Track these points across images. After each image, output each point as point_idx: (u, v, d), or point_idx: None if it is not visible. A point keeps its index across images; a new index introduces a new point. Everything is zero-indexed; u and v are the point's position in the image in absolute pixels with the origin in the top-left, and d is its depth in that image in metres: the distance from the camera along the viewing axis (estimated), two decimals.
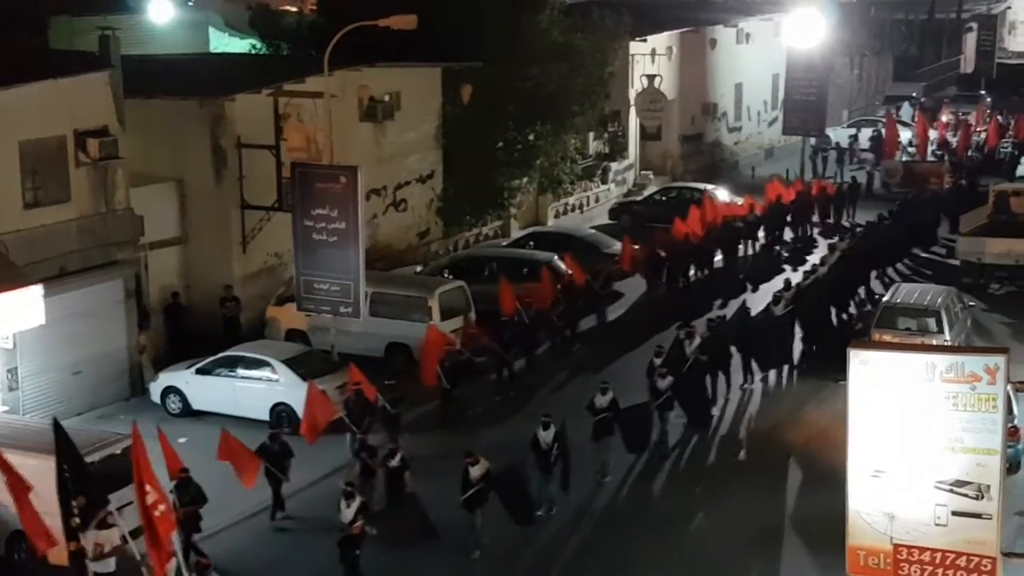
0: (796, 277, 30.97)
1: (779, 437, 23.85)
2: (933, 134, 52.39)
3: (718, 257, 35.47)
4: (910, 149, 49.87)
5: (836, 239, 35.28)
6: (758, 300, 29.76)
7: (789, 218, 38.97)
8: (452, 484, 18.94)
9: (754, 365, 26.05)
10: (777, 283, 30.44)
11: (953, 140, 52.10)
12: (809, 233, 39.54)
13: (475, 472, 18.57)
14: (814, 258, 34.91)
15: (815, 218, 40.14)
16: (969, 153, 49.76)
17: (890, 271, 34.29)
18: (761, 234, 37.79)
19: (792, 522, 20.12)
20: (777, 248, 38.00)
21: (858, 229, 36.87)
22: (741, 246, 36.58)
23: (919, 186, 43.42)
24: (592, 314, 30.41)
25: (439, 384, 24.31)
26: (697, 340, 24.64)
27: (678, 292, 33.22)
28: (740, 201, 39.90)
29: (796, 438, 23.69)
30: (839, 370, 24.79)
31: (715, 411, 24.58)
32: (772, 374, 26.46)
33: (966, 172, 46.11)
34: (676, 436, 23.27)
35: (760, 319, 26.80)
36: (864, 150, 51.44)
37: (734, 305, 29.37)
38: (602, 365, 27.26)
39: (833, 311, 28.87)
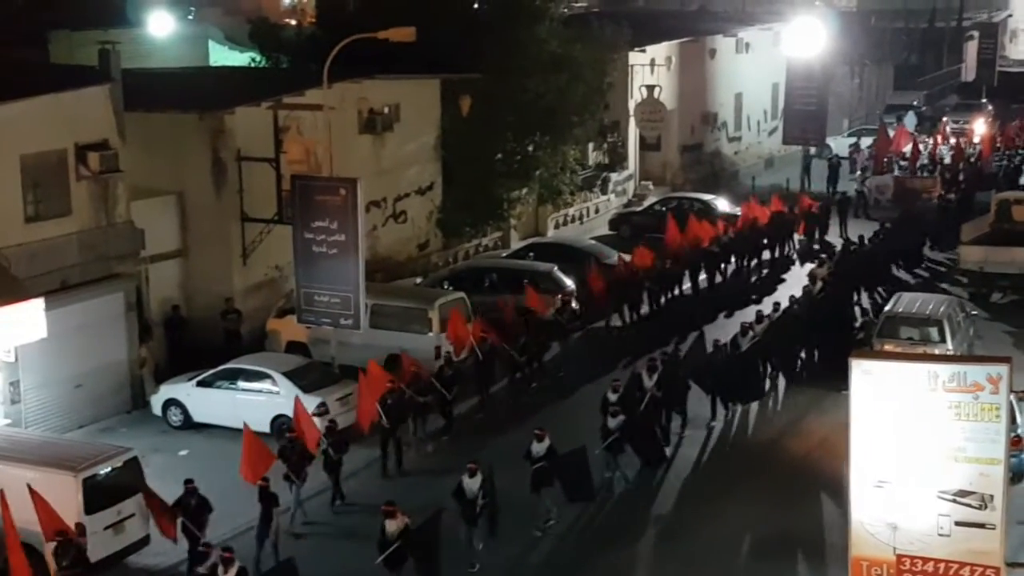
0: (767, 307, 28.85)
1: (781, 448, 23.81)
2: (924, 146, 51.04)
3: (701, 276, 34.12)
4: (902, 163, 48.41)
5: (816, 264, 33.40)
6: (724, 330, 28.12)
7: (765, 240, 37.05)
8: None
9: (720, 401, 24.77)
10: (745, 313, 29.48)
11: (948, 153, 50.68)
12: (787, 253, 37.74)
13: (391, 527, 17.24)
14: (788, 286, 33.22)
15: (798, 237, 38.38)
16: (961, 167, 48.40)
17: (872, 295, 32.11)
18: (735, 257, 35.72)
19: (795, 533, 20.05)
20: (750, 273, 36.09)
21: (839, 249, 34.90)
22: (715, 270, 34.70)
23: (911, 202, 42.39)
24: (557, 348, 28.43)
25: (379, 422, 22.46)
26: (657, 375, 23.30)
27: (644, 322, 31.28)
28: (737, 211, 39.86)
29: (798, 449, 23.65)
30: (799, 408, 25.39)
31: (667, 450, 23.16)
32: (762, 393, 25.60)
33: (956, 187, 44.65)
34: (633, 473, 22.11)
35: (722, 353, 25.01)
36: (867, 159, 50.76)
37: (700, 336, 26.81)
38: (559, 403, 25.83)
39: (804, 348, 27.30)
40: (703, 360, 24.82)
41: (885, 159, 47.80)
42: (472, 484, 18.60)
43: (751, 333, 25.82)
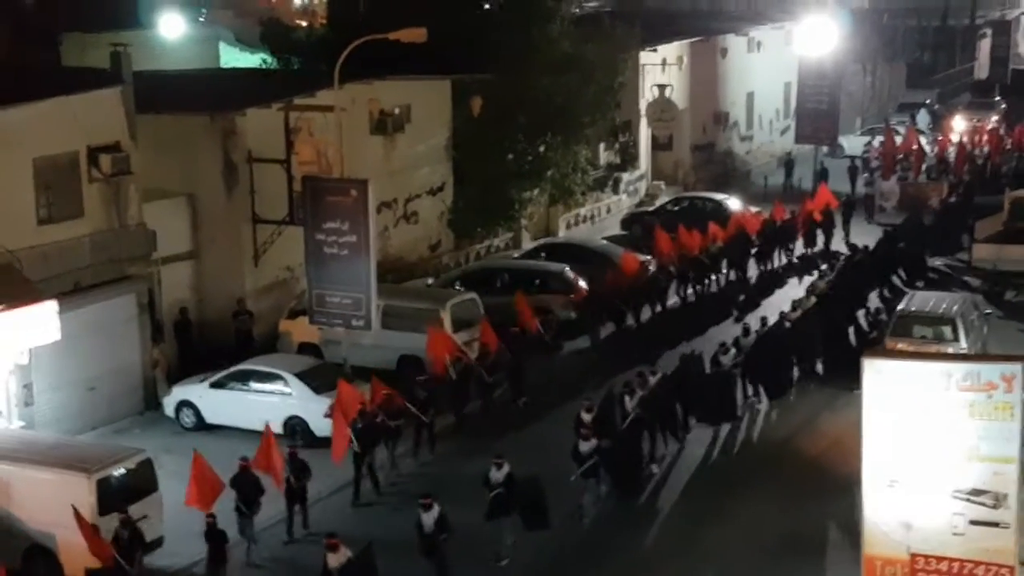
0: (754, 321, 27.88)
1: (793, 447, 23.75)
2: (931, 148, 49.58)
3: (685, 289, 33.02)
4: (906, 167, 46.99)
5: (816, 276, 31.99)
6: (706, 345, 27.10)
7: (754, 251, 35.68)
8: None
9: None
10: (729, 328, 28.85)
11: (953, 155, 48.99)
12: (787, 261, 36.47)
13: (333, 562, 16.77)
14: (777, 299, 32.26)
15: (797, 245, 37.08)
16: (966, 168, 47.26)
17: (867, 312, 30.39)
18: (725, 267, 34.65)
19: (807, 532, 20.01)
20: (742, 283, 34.82)
21: (840, 261, 33.23)
22: (706, 281, 33.74)
23: (919, 207, 40.66)
24: (539, 366, 26.97)
25: (350, 448, 21.49)
26: (639, 394, 22.20)
27: (628, 336, 30.07)
28: (755, 210, 39.72)
29: (811, 448, 23.59)
30: (811, 407, 25.17)
31: (654, 469, 22.36)
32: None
33: (960, 191, 42.91)
34: (595, 502, 21.07)
35: (704, 370, 24.29)
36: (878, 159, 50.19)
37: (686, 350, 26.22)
38: (536, 426, 24.63)
39: (795, 365, 26.30)
40: (681, 377, 23.75)
41: (896, 160, 46.85)
42: (428, 518, 18.00)
43: (731, 351, 24.86)
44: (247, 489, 19.47)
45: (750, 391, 25.44)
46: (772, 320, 27.08)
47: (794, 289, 33.26)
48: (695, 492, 22.01)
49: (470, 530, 18.75)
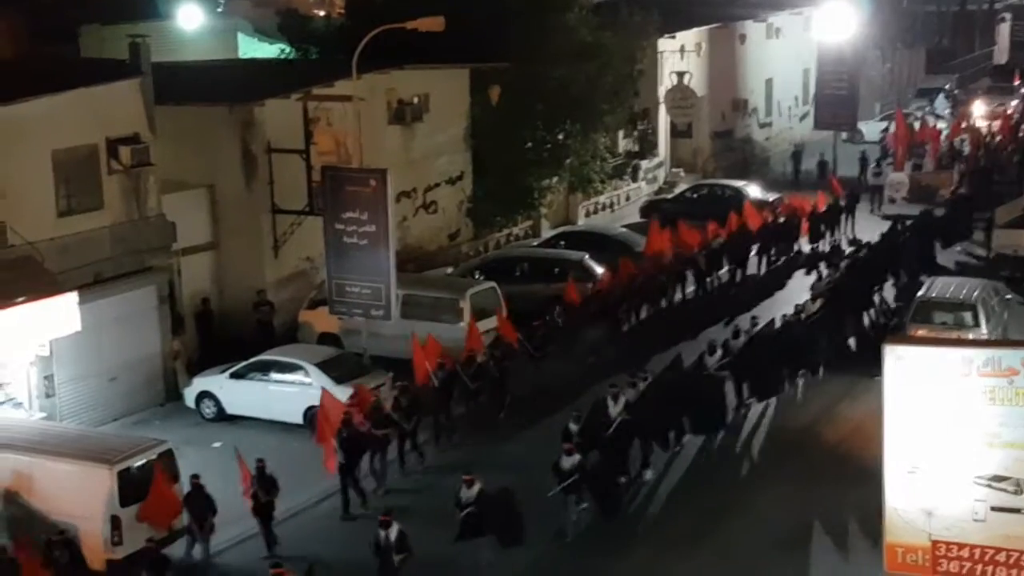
0: (746, 323, 26.51)
1: (814, 435, 23.69)
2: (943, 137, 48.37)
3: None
4: (920, 152, 46.10)
5: (816, 279, 30.44)
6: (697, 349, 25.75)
7: (755, 248, 34.56)
8: None
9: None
10: (722, 330, 27.68)
11: (966, 144, 47.89)
12: (788, 259, 35.14)
13: None
14: (776, 300, 31.20)
15: (802, 242, 35.89)
16: (980, 153, 46.42)
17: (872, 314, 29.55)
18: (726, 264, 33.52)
19: (828, 520, 19.95)
20: (744, 282, 33.62)
21: (842, 260, 31.66)
22: (707, 280, 32.67)
23: (928, 199, 39.82)
24: (525, 375, 25.82)
25: (336, 458, 20.61)
26: (623, 400, 21.26)
27: (621, 339, 28.78)
28: (771, 198, 39.53)
29: (832, 435, 23.53)
30: (832, 395, 24.87)
31: (648, 475, 21.47)
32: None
33: (970, 181, 41.61)
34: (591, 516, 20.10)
35: (691, 374, 23.55)
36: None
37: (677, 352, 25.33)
38: (523, 436, 23.63)
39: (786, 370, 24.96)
40: (670, 381, 22.97)
41: (910, 148, 46.06)
42: (385, 537, 17.23)
43: (719, 352, 23.88)
44: (198, 508, 18.56)
45: (743, 394, 24.24)
46: (763, 322, 26.06)
47: (795, 289, 31.73)
48: (716, 481, 21.95)
49: (449, 548, 18.13)
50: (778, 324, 25.87)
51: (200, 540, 18.69)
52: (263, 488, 19.11)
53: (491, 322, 26.94)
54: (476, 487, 18.21)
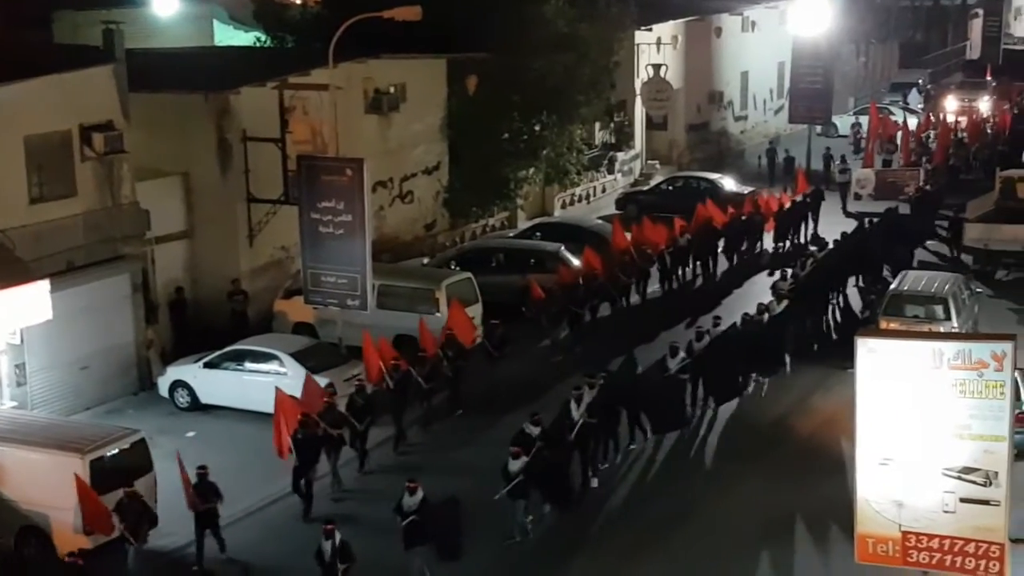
0: (708, 322, 25.95)
1: (787, 426, 23.82)
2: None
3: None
4: (890, 147, 46.19)
5: (779, 277, 29.41)
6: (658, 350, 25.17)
7: (721, 245, 34.26)
8: None
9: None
10: (682, 330, 27.52)
11: (932, 142, 47.60)
12: (755, 256, 34.96)
13: None
14: (737, 299, 30.83)
15: (767, 238, 35.69)
16: (951, 151, 46.50)
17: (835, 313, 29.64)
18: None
19: (801, 511, 20.08)
20: (708, 280, 33.41)
21: (810, 260, 30.62)
22: (673, 277, 32.36)
23: (893, 196, 39.80)
24: (483, 375, 25.31)
25: (290, 458, 20.25)
26: (585, 401, 20.82)
27: (582, 338, 28.19)
28: (746, 191, 39.59)
29: (804, 427, 23.67)
30: (804, 387, 24.94)
31: (595, 483, 21.02)
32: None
33: (936, 180, 41.40)
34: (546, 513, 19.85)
35: (652, 375, 23.11)
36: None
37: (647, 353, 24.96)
38: (475, 440, 23.15)
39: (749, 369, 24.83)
40: (631, 382, 22.49)
41: (882, 144, 46.20)
42: (328, 545, 16.82)
43: (680, 354, 23.41)
44: (132, 516, 17.96)
45: (700, 396, 24.07)
46: (726, 322, 25.73)
47: (758, 288, 31.39)
48: (689, 472, 22.06)
49: (396, 557, 17.75)
50: (740, 324, 25.50)
51: (133, 548, 17.99)
52: (200, 496, 18.51)
53: (469, 311, 26.96)
54: (419, 494, 17.75)
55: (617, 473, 21.62)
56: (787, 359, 25.92)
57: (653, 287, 32.03)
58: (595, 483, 21.26)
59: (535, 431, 19.79)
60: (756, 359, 24.91)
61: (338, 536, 16.90)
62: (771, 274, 31.99)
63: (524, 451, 19.01)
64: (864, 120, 51.36)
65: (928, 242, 35.73)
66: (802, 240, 36.48)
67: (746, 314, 26.05)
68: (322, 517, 18.77)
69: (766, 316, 25.84)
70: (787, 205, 37.14)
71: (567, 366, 26.21)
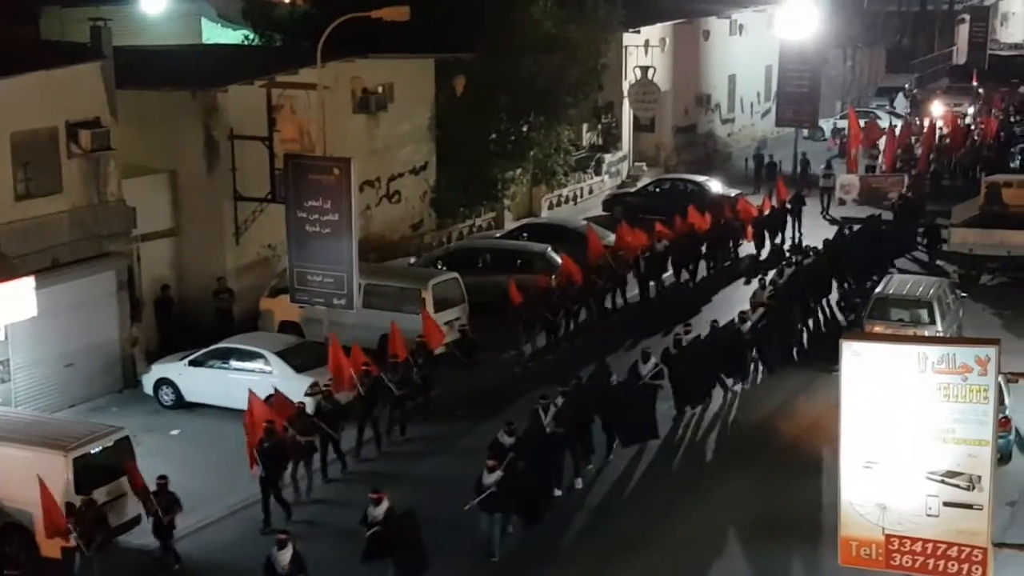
0: (682, 331, 25.36)
1: (771, 429, 23.87)
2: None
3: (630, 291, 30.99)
4: (873, 152, 46.04)
5: (758, 285, 29.01)
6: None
7: (701, 250, 33.68)
8: None
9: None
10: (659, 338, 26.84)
11: (917, 148, 47.58)
12: (729, 263, 34.68)
13: None
14: (716, 306, 30.50)
15: (746, 245, 35.41)
16: (932, 157, 46.71)
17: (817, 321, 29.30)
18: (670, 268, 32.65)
19: (785, 514, 20.14)
20: (685, 287, 32.94)
21: (787, 269, 30.28)
22: (651, 283, 31.84)
23: (877, 203, 39.70)
24: (455, 382, 24.95)
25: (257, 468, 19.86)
26: (553, 410, 20.62)
27: (556, 345, 28.06)
28: (732, 194, 39.61)
29: (788, 430, 23.72)
30: (789, 389, 24.95)
31: (558, 493, 20.39)
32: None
33: (918, 187, 41.57)
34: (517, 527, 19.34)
35: (625, 383, 22.84)
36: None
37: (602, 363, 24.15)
38: (446, 449, 22.82)
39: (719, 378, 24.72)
40: (604, 391, 22.30)
41: (867, 149, 46.13)
42: (282, 557, 16.39)
43: (652, 361, 23.15)
44: (87, 524, 17.48)
45: (678, 403, 23.91)
46: (702, 330, 25.49)
47: (740, 293, 31.13)
48: (673, 476, 22.08)
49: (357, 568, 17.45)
50: (709, 332, 25.35)
51: (89, 556, 17.45)
52: (161, 506, 18.19)
53: (453, 312, 27.02)
54: (384, 505, 17.38)
55: (594, 481, 21.47)
56: (763, 366, 25.91)
57: (632, 292, 31.66)
58: (579, 483, 21.20)
59: (509, 441, 19.54)
60: (728, 365, 24.83)
61: (290, 548, 16.45)
62: (747, 282, 32.03)
63: (499, 464, 18.50)
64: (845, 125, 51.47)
65: (909, 251, 35.83)
66: (784, 245, 36.42)
67: (715, 322, 25.91)
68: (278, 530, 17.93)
69: (747, 324, 25.65)
70: (767, 211, 36.95)
71: (540, 374, 25.87)
